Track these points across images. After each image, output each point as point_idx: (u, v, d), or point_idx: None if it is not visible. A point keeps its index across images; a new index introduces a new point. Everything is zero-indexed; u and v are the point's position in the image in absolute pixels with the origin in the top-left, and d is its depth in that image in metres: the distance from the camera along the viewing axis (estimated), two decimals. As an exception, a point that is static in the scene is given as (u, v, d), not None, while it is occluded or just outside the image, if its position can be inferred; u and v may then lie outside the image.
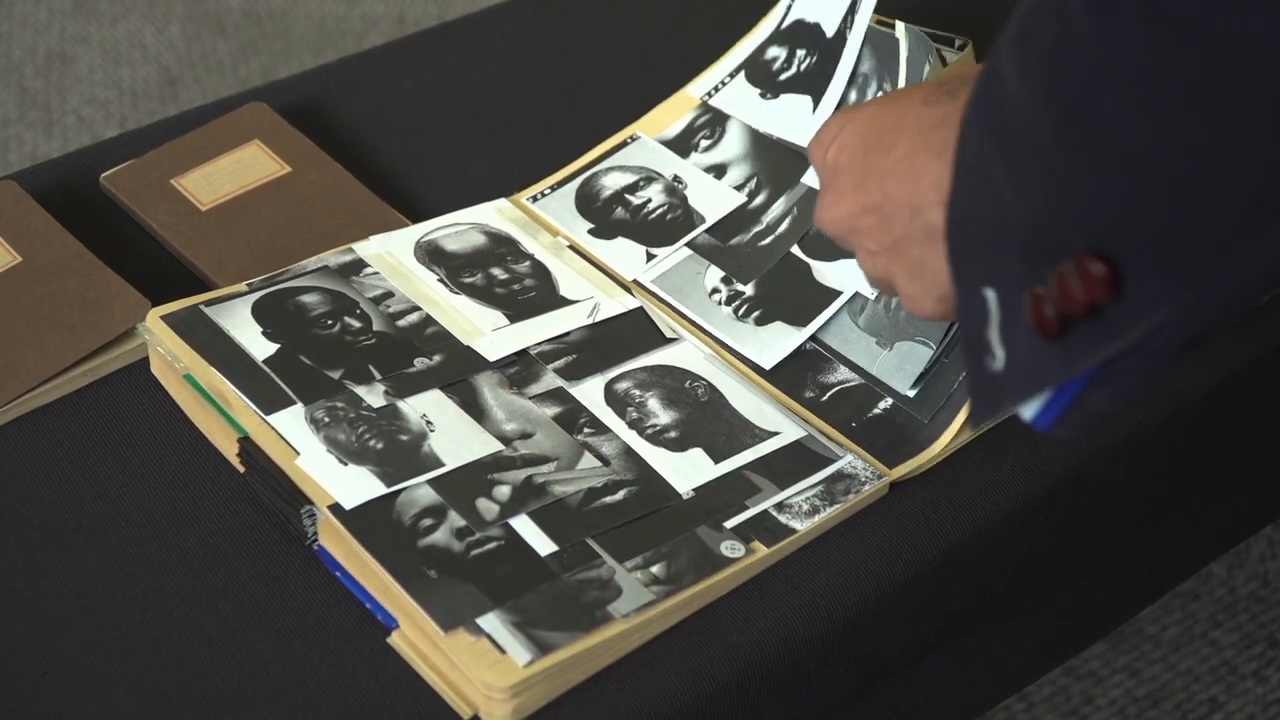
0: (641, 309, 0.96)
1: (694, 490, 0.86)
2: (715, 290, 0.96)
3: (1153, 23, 0.60)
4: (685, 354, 0.94)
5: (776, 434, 0.89)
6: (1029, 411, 0.69)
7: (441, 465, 0.85)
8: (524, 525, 0.83)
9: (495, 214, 1.01)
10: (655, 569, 0.81)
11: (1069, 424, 0.69)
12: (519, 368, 0.92)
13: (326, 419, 0.86)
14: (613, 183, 1.03)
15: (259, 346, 0.90)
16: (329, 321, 0.92)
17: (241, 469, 0.86)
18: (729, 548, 0.83)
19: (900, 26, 0.98)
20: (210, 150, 1.04)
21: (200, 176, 1.03)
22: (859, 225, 0.81)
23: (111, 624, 0.81)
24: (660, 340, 0.94)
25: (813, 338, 0.94)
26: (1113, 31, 0.61)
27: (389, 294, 0.95)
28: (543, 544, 0.82)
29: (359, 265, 0.96)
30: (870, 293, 0.94)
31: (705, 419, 0.90)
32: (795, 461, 0.88)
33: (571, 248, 0.99)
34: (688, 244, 0.99)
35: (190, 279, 0.98)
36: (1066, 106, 0.64)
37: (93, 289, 0.94)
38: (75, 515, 0.86)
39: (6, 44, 2.15)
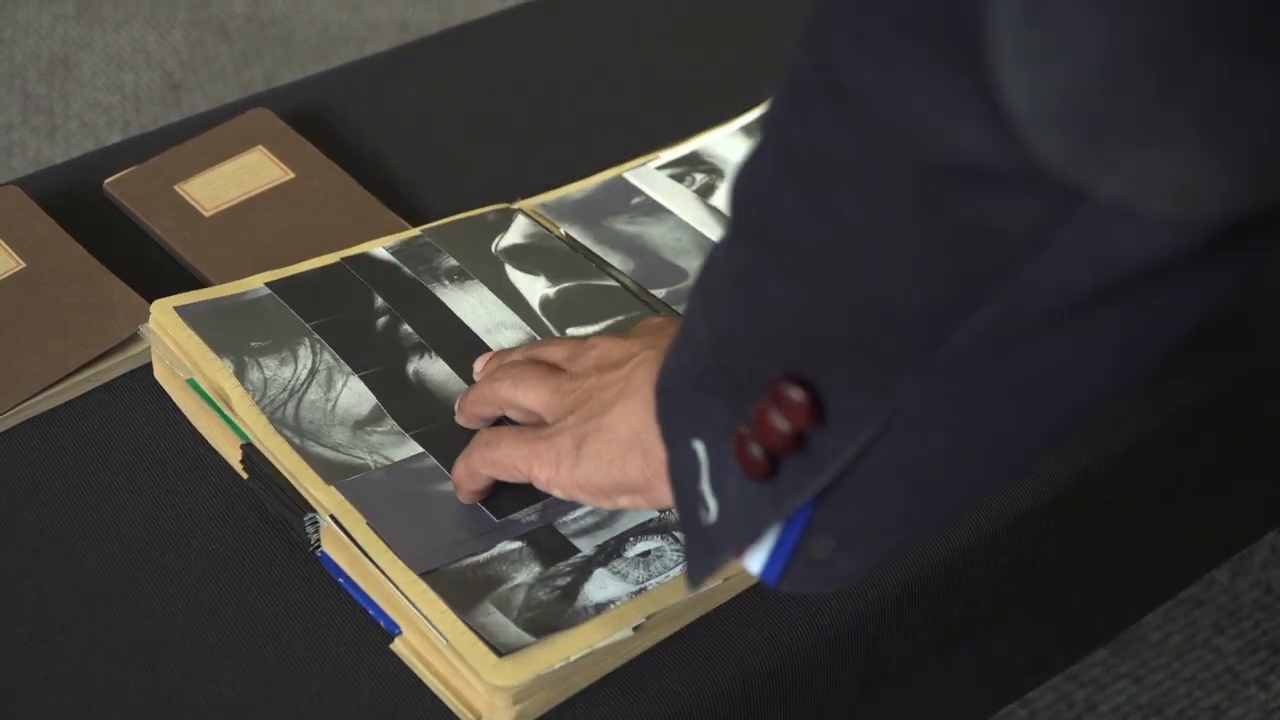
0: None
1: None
2: None
3: (830, 98, 0.52)
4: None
5: (779, 440, 0.89)
6: (755, 565, 0.65)
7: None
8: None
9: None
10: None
11: (800, 579, 0.64)
12: (522, 374, 0.91)
13: (329, 425, 0.86)
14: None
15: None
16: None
17: (244, 475, 0.86)
18: (731, 554, 0.83)
19: None
20: (214, 156, 1.04)
21: (203, 182, 1.03)
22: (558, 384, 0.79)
23: (114, 630, 0.81)
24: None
25: None
26: (796, 118, 0.55)
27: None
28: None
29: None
30: None
31: (708, 425, 0.90)
32: (798, 468, 0.88)
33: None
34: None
35: (193, 284, 0.98)
36: (754, 224, 0.59)
37: (96, 294, 0.94)
38: (78, 521, 0.85)
39: (10, 49, 2.15)
